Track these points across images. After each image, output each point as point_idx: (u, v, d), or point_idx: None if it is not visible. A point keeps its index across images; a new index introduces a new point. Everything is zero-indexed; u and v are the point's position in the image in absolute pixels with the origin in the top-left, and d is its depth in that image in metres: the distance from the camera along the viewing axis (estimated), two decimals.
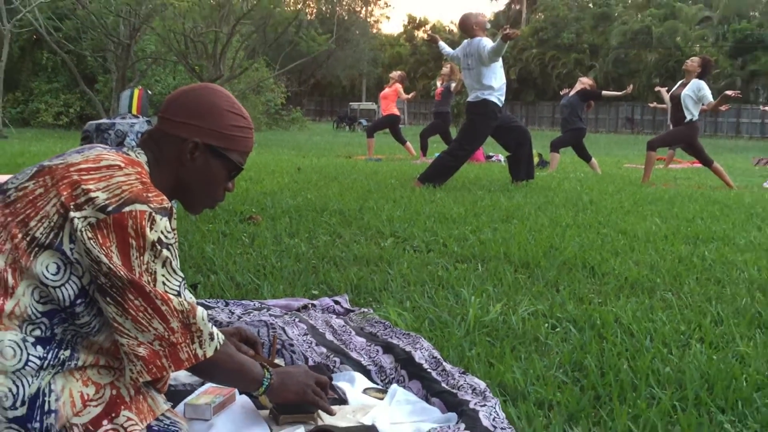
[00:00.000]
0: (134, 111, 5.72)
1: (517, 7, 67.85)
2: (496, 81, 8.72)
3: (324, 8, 40.12)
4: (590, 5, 60.06)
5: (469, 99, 8.94)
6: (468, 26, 8.84)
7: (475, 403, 2.25)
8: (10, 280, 1.77)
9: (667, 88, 11.59)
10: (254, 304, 3.35)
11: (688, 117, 10.33)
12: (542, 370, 2.65)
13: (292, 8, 27.37)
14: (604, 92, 14.34)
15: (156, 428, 1.90)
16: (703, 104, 10.43)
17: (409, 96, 17.11)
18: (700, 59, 10.76)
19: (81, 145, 4.83)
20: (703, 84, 10.32)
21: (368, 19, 60.88)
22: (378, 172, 10.85)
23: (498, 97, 8.77)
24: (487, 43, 8.55)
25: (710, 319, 3.38)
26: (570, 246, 4.98)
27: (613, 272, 4.27)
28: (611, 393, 2.45)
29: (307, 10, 31.70)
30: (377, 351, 2.75)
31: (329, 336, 2.89)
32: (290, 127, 37.19)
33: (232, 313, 3.17)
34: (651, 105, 18.95)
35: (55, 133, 24.11)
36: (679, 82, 10.70)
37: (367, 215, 6.14)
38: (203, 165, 2.02)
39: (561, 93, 14.29)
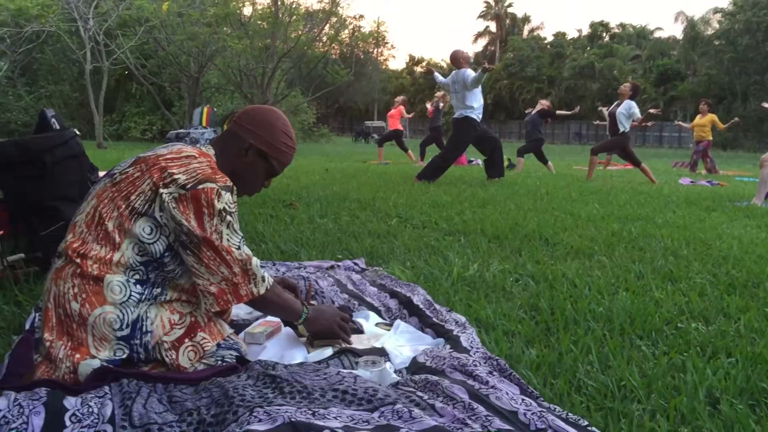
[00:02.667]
0: (203, 123, 5.76)
1: (492, 48, 67.50)
2: (476, 102, 8.72)
3: (345, 50, 39.92)
4: (548, 46, 59.62)
5: (455, 116, 8.94)
6: (457, 59, 8.86)
7: (458, 332, 2.30)
8: (117, 239, 1.84)
9: (607, 108, 11.54)
10: (294, 264, 3.39)
11: (621, 129, 10.32)
12: (507, 309, 2.69)
13: (321, 49, 27.20)
14: (558, 112, 14.29)
15: (223, 345, 1.96)
16: (633, 120, 10.42)
17: (410, 115, 17.12)
18: (631, 84, 10.74)
19: None
20: (633, 104, 10.30)
21: (379, 58, 60.60)
22: (386, 172, 10.86)
23: (477, 114, 8.78)
24: (471, 73, 8.57)
25: (634, 274, 3.42)
26: (530, 224, 5.01)
27: (562, 242, 4.30)
28: (558, 325, 2.49)
29: (332, 51, 31.49)
30: (385, 296, 2.80)
31: (350, 286, 2.94)
32: (319, 140, 37.05)
33: (278, 270, 3.22)
34: (595, 123, 18.90)
35: (142, 145, 24.12)
36: (615, 103, 10.67)
37: (378, 202, 6.17)
38: (252, 162, 2.07)
39: (525, 112, 14.26)
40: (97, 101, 22.45)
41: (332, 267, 3.37)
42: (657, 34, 57.82)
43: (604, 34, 60.30)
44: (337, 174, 10.11)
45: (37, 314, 2.29)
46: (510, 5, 67.73)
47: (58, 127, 3.78)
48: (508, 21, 67.51)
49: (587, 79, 52.43)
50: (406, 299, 2.69)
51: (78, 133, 3.65)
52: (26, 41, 24.79)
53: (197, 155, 1.95)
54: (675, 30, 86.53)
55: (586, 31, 61.88)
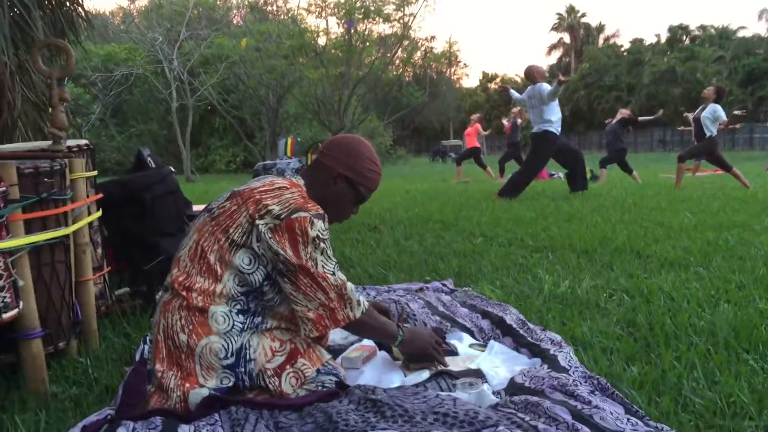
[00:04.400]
0: (288, 153, 5.91)
1: (567, 59, 66.44)
2: (554, 116, 8.61)
3: (418, 71, 40.18)
4: (625, 54, 58.20)
5: (533, 131, 8.84)
6: (532, 74, 8.79)
7: (554, 351, 2.27)
8: (219, 271, 1.91)
9: (691, 113, 11.15)
10: (384, 288, 3.43)
11: (708, 133, 9.95)
12: (603, 326, 2.64)
13: (394, 73, 27.47)
14: (640, 118, 13.89)
15: (323, 371, 2.00)
16: (719, 123, 10.03)
17: (486, 132, 17.07)
18: (715, 88, 10.37)
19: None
20: (718, 107, 9.93)
21: (452, 77, 60.69)
22: (466, 191, 10.82)
23: (556, 128, 8.66)
24: (547, 87, 8.48)
25: (734, 285, 3.28)
26: (619, 237, 4.88)
27: (655, 255, 4.17)
28: (658, 341, 2.42)
29: (405, 74, 31.74)
30: (477, 317, 2.79)
31: (441, 308, 2.94)
32: (397, 162, 37.34)
33: (369, 294, 3.26)
34: (679, 129, 18.22)
35: (226, 176, 24.91)
36: (699, 107, 10.31)
37: (461, 222, 6.15)
38: (340, 190, 2.12)
39: (605, 122, 13.94)
40: (183, 137, 23.38)
41: (421, 289, 3.37)
42: (740, 34, 55.54)
43: (685, 38, 58.38)
44: (418, 195, 10.15)
45: (146, 346, 2.40)
46: (584, 15, 66.65)
47: (154, 165, 3.96)
48: (582, 31, 66.38)
49: (669, 85, 50.76)
50: (498, 319, 2.67)
51: (173, 170, 3.82)
52: (116, 84, 26.16)
53: (289, 186, 2.01)
54: (760, 28, 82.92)
55: (664, 36, 60.09)
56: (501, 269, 3.90)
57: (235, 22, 32.07)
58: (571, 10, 66.45)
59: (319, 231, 1.93)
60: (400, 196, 10.06)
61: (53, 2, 5.66)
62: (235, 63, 24.03)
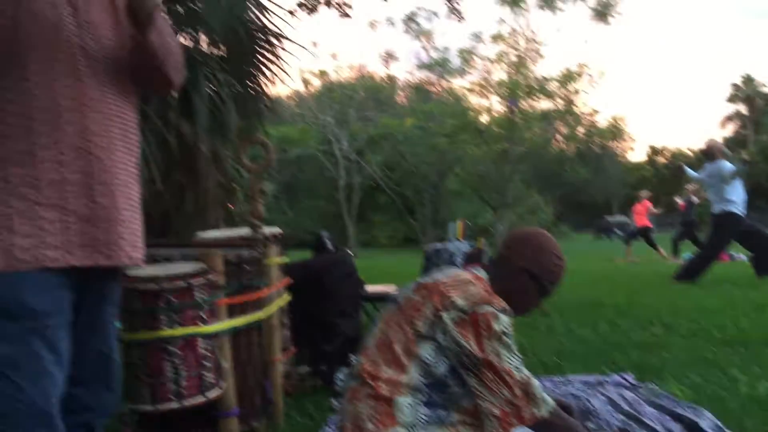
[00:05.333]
0: (459, 236, 5.98)
1: (744, 132, 62.49)
2: (736, 195, 8.09)
3: (581, 146, 39.52)
4: None
5: (714, 211, 8.33)
6: (711, 152, 8.37)
7: None
8: (404, 361, 1.96)
9: None
10: (560, 379, 3.32)
11: None
12: None
13: (557, 148, 27.21)
14: None
15: None
16: None
17: (658, 211, 16.32)
18: None
19: (423, 262, 5.14)
20: None
21: (617, 151, 58.96)
22: (638, 272, 10.31)
23: (739, 208, 8.12)
24: (727, 165, 8.03)
25: None
26: None
27: None
28: None
29: (568, 149, 31.31)
30: (667, 419, 2.61)
31: (625, 406, 2.79)
32: (559, 238, 36.25)
33: (545, 386, 3.17)
34: None
35: (388, 251, 25.47)
36: None
37: (636, 308, 5.85)
38: (524, 285, 2.11)
39: None
40: (349, 213, 24.39)
41: (600, 383, 3.23)
42: None
43: None
44: (584, 275, 9.79)
45: (330, 430, 2.47)
46: (763, 85, 62.72)
47: (332, 248, 4.17)
48: (760, 101, 62.36)
49: None
50: (691, 423, 2.49)
51: (351, 253, 4.00)
52: (289, 163, 27.98)
53: (473, 280, 2.04)
54: None
55: None
56: (687, 365, 3.64)
57: (399, 101, 33.43)
58: (748, 79, 62.85)
59: (503, 326, 1.93)
60: (566, 275, 9.74)
61: (244, 93, 6.24)
62: (400, 142, 24.94)
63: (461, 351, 1.91)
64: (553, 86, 22.27)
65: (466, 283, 2.02)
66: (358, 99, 27.58)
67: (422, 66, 28.04)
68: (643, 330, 4.77)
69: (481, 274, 2.13)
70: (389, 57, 30.84)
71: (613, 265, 12.60)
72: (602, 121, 31.32)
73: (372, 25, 29.39)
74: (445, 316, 1.94)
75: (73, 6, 1.43)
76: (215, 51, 5.93)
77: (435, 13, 26.65)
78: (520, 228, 2.25)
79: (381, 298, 4.41)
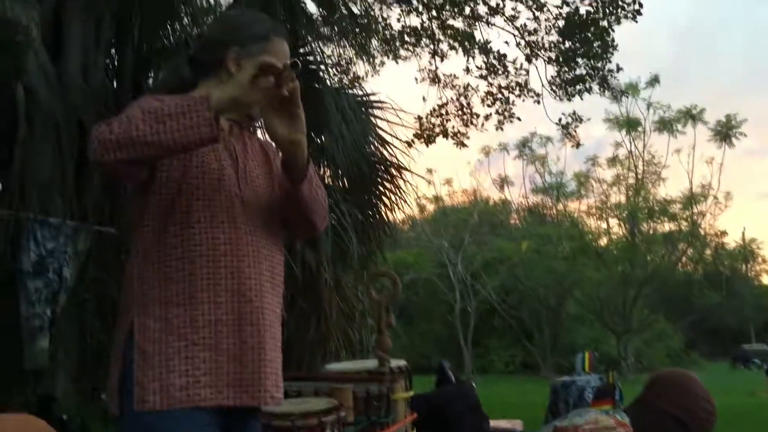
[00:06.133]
0: (586, 369, 5.73)
1: None
2: None
3: (709, 268, 37.51)
4: None
5: None
6: None
7: None
8: None
9: None
10: None
11: None
12: None
13: (683, 271, 25.97)
14: None
15: None
16: None
17: None
18: None
19: (550, 395, 4.95)
20: None
21: (749, 274, 55.43)
22: None
23: None
24: None
25: None
26: None
27: None
28: None
29: (695, 272, 29.79)
30: None
31: None
32: (690, 368, 33.96)
33: None
34: None
35: (504, 378, 24.62)
36: None
37: None
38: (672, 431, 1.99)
39: None
40: (465, 337, 24.00)
41: None
42: None
43: None
44: (723, 410, 8.98)
45: None
46: None
47: (454, 380, 4.10)
48: None
49: None
50: None
51: (473, 385, 3.91)
52: (404, 287, 28.15)
53: (615, 426, 1.93)
54: None
55: None
56: None
57: (513, 224, 33.31)
58: None
59: None
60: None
61: (365, 222, 6.46)
62: (515, 265, 24.66)
63: None
64: (675, 208, 21.61)
65: (608, 429, 1.92)
66: (472, 222, 27.76)
67: (537, 189, 28.11)
68: None
69: (624, 418, 2.02)
70: (503, 181, 31.12)
71: (755, 400, 11.53)
72: (731, 242, 29.83)
73: (485, 151, 29.91)
74: None
75: (233, 159, 1.56)
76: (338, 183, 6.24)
77: (549, 139, 26.91)
78: (667, 370, 2.14)
79: None
